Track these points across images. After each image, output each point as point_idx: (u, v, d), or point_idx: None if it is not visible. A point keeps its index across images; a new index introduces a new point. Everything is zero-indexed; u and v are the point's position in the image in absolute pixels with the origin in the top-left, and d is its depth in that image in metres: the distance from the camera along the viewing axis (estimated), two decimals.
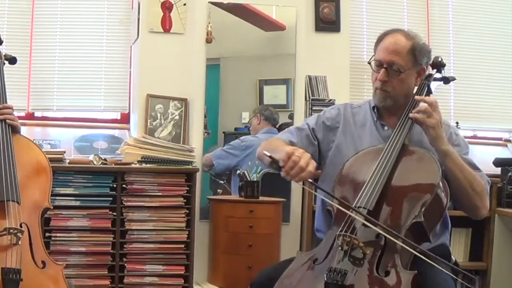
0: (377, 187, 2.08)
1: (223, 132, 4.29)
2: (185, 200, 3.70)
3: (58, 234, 3.50)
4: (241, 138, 4.22)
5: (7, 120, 2.52)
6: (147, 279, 3.61)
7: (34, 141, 2.74)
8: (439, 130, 2.20)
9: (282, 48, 4.35)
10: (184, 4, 4.16)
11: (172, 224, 3.67)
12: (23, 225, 2.25)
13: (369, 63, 2.34)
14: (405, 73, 2.28)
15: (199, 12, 4.14)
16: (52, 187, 2.53)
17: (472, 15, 4.78)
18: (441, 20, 4.74)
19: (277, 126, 4.26)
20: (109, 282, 3.55)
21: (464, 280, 2.07)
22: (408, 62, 2.28)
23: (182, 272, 3.66)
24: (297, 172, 2.03)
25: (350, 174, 2.23)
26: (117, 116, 4.42)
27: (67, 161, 3.66)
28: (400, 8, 4.67)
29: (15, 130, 2.55)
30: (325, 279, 1.92)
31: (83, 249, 3.53)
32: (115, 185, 3.60)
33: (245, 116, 4.33)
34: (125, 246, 3.60)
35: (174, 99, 4.15)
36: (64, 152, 3.69)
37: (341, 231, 2.00)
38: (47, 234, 3.44)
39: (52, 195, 2.52)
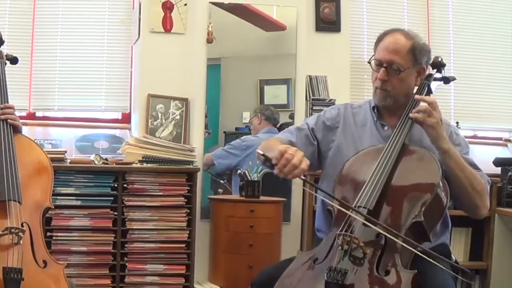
0: (377, 187, 2.09)
1: (224, 132, 4.29)
2: (186, 200, 3.71)
3: (59, 234, 3.51)
4: (242, 138, 4.22)
5: (8, 120, 2.52)
6: (148, 279, 3.62)
7: (36, 141, 2.75)
8: (440, 129, 2.20)
9: (283, 48, 4.35)
10: (185, 4, 4.16)
11: (173, 223, 3.68)
12: (24, 224, 2.25)
13: (369, 62, 2.34)
14: (405, 72, 2.28)
15: (200, 12, 4.15)
16: (53, 187, 2.53)
17: (472, 15, 4.77)
18: (441, 20, 4.74)
19: (277, 126, 4.26)
20: (110, 282, 3.56)
21: (463, 277, 2.07)
22: (408, 61, 2.28)
23: (183, 272, 3.67)
24: (290, 170, 2.04)
25: (350, 174, 2.23)
26: (118, 116, 4.42)
27: (68, 161, 3.67)
28: (400, 8, 4.67)
29: (16, 130, 2.55)
30: (326, 278, 1.92)
31: (84, 248, 3.53)
32: (116, 185, 3.61)
33: (246, 116, 4.33)
34: (126, 245, 3.60)
35: (175, 99, 4.15)
36: (65, 152, 3.70)
37: (341, 230, 2.01)
38: (48, 234, 3.45)
39: (53, 195, 2.51)
